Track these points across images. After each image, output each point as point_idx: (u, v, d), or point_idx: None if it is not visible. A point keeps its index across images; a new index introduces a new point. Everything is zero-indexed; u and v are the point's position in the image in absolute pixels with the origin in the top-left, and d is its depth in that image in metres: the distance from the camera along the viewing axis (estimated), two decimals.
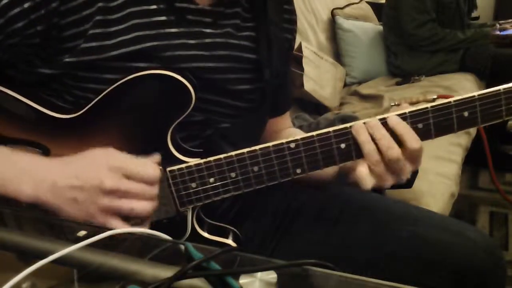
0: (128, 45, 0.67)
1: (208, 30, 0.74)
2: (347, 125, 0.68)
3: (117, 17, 0.66)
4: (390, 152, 0.67)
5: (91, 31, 0.65)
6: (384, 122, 0.68)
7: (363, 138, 0.67)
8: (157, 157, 0.68)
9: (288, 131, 0.97)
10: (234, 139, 0.78)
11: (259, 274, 0.45)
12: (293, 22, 0.90)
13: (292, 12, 0.89)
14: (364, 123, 0.68)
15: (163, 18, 0.70)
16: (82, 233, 0.56)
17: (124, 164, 0.63)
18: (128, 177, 0.63)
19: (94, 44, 0.66)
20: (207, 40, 0.74)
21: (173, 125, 0.69)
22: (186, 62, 0.71)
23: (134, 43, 0.67)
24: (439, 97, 2.05)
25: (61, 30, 0.65)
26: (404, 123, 0.68)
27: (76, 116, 0.69)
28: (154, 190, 0.65)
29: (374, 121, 0.67)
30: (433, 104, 0.67)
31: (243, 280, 0.45)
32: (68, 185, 0.61)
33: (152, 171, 0.65)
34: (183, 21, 0.71)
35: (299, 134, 0.94)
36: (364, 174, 0.68)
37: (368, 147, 0.67)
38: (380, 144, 0.67)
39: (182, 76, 0.67)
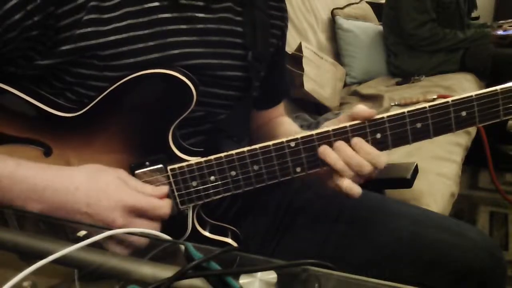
0: (122, 32, 0.67)
1: (200, 15, 0.74)
2: (346, 124, 0.68)
3: (110, 4, 0.67)
4: (363, 169, 0.68)
5: (86, 17, 0.65)
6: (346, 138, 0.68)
7: (331, 161, 0.68)
8: (165, 188, 0.69)
9: (281, 120, 0.98)
10: (231, 130, 0.78)
11: (259, 274, 0.45)
12: (282, 9, 0.90)
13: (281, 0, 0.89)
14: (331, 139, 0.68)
15: (156, 4, 0.70)
16: (82, 233, 0.56)
17: (138, 204, 0.64)
18: (141, 216, 0.65)
19: (89, 29, 0.66)
20: (199, 26, 0.74)
21: (175, 124, 0.69)
22: (177, 48, 0.71)
23: (127, 30, 0.67)
24: (439, 97, 2.05)
25: (58, 19, 0.65)
26: (365, 146, 0.68)
27: (78, 114, 0.69)
28: (160, 224, 0.67)
29: (339, 144, 0.68)
30: (431, 103, 0.67)
31: (243, 280, 0.45)
32: (77, 210, 0.62)
33: (165, 210, 0.66)
34: (176, 5, 0.71)
35: (288, 124, 0.95)
36: (349, 185, 0.69)
37: (339, 166, 0.68)
38: (351, 165, 0.68)
39: (184, 76, 0.67)
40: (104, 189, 0.63)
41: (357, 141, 0.68)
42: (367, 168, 0.68)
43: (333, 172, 0.70)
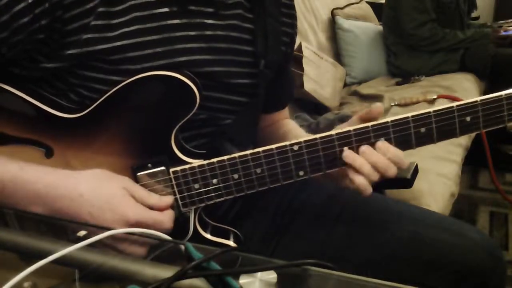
0: (130, 37, 0.67)
1: (210, 21, 0.74)
2: (350, 128, 0.68)
3: (119, 9, 0.66)
4: (388, 172, 0.68)
5: (93, 23, 0.65)
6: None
7: (358, 165, 0.68)
8: (170, 198, 0.69)
9: (284, 122, 0.98)
10: (235, 135, 0.78)
11: (259, 274, 0.45)
12: (293, 16, 0.90)
13: (291, 7, 0.89)
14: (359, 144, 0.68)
15: (165, 9, 0.70)
16: (82, 233, 0.56)
17: (142, 219, 0.64)
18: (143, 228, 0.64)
19: (96, 35, 0.66)
20: (208, 32, 0.74)
21: (177, 126, 0.69)
22: (185, 55, 0.71)
23: (135, 36, 0.67)
24: (439, 97, 2.06)
25: (65, 23, 0.65)
26: (391, 151, 0.68)
27: (80, 116, 0.68)
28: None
29: (366, 149, 0.68)
30: (436, 108, 0.67)
31: (243, 280, 0.45)
32: (79, 217, 0.62)
33: (167, 225, 0.66)
34: (185, 11, 0.71)
35: (291, 126, 0.95)
36: (364, 184, 0.69)
37: (366, 169, 0.68)
38: (378, 168, 0.68)
39: (187, 78, 0.67)
40: (108, 201, 0.63)
41: (382, 144, 0.68)
42: (393, 169, 0.68)
43: (350, 170, 0.69)
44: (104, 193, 0.63)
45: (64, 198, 0.63)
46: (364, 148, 0.68)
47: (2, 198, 0.63)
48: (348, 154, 0.68)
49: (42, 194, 0.63)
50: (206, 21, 0.73)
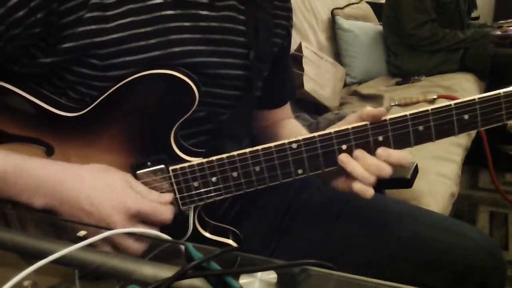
0: (125, 30, 0.67)
1: (204, 12, 0.74)
2: (348, 126, 0.68)
3: (113, 1, 0.66)
4: (382, 173, 0.68)
5: (87, 15, 0.65)
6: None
7: (351, 168, 0.68)
8: (170, 196, 0.69)
9: (287, 122, 0.98)
10: (232, 130, 0.79)
11: (259, 274, 0.45)
12: (288, 9, 0.90)
13: None
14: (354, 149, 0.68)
15: (160, 0, 0.70)
16: (82, 233, 0.56)
17: (141, 209, 0.64)
18: (142, 221, 0.64)
19: (92, 27, 0.66)
20: (202, 23, 0.74)
21: (177, 125, 0.69)
22: (180, 46, 0.71)
23: (130, 28, 0.67)
24: (439, 97, 2.06)
25: (61, 16, 0.65)
26: (393, 155, 0.68)
27: (80, 114, 0.69)
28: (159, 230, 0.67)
29: (359, 153, 0.68)
30: (434, 107, 0.67)
31: (243, 280, 0.45)
32: (79, 206, 0.62)
33: (167, 216, 0.66)
34: (179, 2, 0.71)
35: (292, 125, 0.96)
36: (362, 188, 0.69)
37: (358, 172, 0.68)
38: (371, 171, 0.68)
39: (186, 76, 0.67)
40: (110, 185, 0.64)
41: (382, 151, 0.68)
42: (387, 170, 0.68)
43: (348, 176, 0.70)
44: (106, 179, 0.64)
45: (65, 183, 0.63)
46: (357, 152, 0.68)
47: (3, 189, 0.63)
48: (342, 158, 0.68)
49: (43, 182, 0.63)
50: (200, 12, 0.73)
